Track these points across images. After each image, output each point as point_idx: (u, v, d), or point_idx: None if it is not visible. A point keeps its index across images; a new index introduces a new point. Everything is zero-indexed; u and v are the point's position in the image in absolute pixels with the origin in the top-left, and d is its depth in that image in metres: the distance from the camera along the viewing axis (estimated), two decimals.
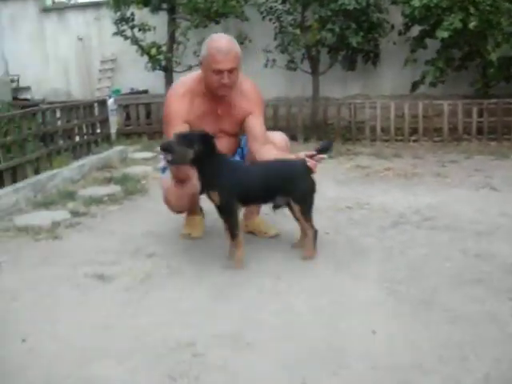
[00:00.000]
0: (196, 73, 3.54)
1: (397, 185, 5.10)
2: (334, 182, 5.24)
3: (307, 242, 3.37)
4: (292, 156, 3.38)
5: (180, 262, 3.39)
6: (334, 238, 3.72)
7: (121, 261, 3.46)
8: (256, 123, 3.51)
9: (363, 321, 2.58)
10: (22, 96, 10.77)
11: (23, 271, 3.37)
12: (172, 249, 3.64)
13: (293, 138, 7.41)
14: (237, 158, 3.73)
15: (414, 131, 7.22)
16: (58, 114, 6.03)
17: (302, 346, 2.39)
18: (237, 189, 3.17)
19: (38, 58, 11.20)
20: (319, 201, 4.57)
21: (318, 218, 4.06)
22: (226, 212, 3.22)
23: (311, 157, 3.26)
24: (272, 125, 7.39)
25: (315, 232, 3.35)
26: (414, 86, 7.64)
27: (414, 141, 7.16)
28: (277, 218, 3.86)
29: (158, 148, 3.34)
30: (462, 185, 5.03)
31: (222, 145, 3.49)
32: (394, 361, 2.26)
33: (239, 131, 3.61)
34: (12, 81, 10.87)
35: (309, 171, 3.26)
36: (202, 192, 3.33)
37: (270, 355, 2.32)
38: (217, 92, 3.37)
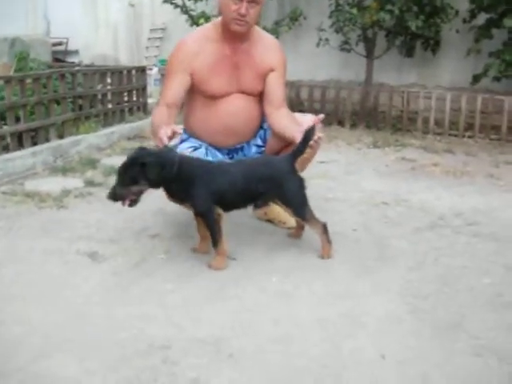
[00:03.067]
0: (214, 20, 3.20)
1: (442, 182, 4.62)
2: (374, 174, 4.81)
3: (321, 241, 2.95)
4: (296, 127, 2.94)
5: (182, 248, 3.05)
6: (360, 236, 3.30)
7: (120, 239, 3.15)
8: (275, 83, 3.16)
9: (373, 341, 2.17)
10: (71, 60, 10.59)
11: (14, 241, 3.11)
12: (179, 231, 3.30)
13: (340, 123, 7.04)
14: (258, 141, 3.35)
15: (470, 127, 6.66)
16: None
17: (293, 364, 2.01)
18: (214, 196, 2.76)
19: (87, 22, 10.96)
20: (353, 192, 4.23)
21: (348, 211, 3.70)
22: (205, 220, 2.81)
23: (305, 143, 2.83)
24: (319, 108, 6.97)
25: (323, 226, 2.93)
26: (476, 78, 7.03)
27: (469, 137, 6.62)
28: None
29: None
30: None
31: (241, 109, 3.14)
32: None
33: (260, 92, 3.19)
34: (60, 43, 10.70)
35: (294, 168, 2.88)
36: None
37: (253, 371, 1.96)
38: (231, 25, 3.00)
